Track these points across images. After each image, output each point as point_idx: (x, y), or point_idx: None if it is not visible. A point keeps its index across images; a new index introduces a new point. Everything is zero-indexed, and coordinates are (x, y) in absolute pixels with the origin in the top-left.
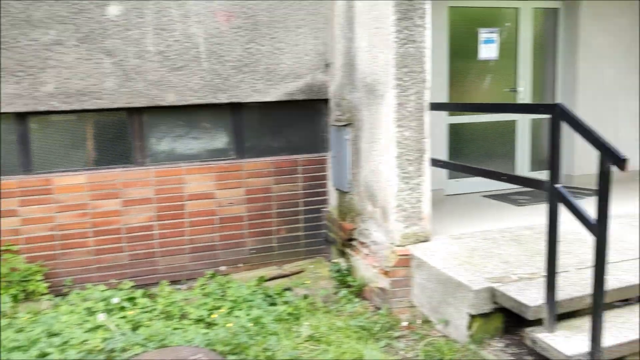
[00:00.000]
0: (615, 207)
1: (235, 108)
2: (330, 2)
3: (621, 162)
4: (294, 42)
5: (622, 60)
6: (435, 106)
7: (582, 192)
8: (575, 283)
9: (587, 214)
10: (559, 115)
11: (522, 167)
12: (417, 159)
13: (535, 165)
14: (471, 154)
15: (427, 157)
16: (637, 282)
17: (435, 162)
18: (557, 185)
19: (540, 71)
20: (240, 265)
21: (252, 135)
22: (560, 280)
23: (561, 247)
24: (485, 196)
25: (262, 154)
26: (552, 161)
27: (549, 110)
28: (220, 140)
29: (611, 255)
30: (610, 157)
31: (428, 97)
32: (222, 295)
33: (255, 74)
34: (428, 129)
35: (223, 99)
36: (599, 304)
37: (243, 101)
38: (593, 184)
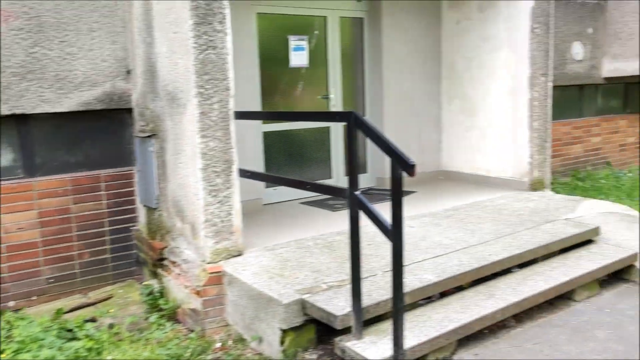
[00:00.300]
0: (422, 206)
1: (20, 120)
2: (127, 3)
3: (410, 168)
4: (89, 47)
5: (422, 68)
6: (240, 115)
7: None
8: (382, 287)
9: (384, 219)
10: (354, 123)
11: (338, 171)
12: (224, 170)
13: None
14: (288, 162)
15: (236, 168)
16: (437, 280)
17: (244, 173)
18: (356, 193)
19: (351, 78)
20: (35, 297)
21: (44, 151)
22: (368, 285)
23: (370, 251)
24: (302, 203)
25: (57, 170)
26: (350, 168)
27: (345, 118)
28: (4, 157)
29: (415, 255)
30: (400, 164)
31: (233, 106)
32: (7, 337)
33: (43, 82)
34: (235, 139)
35: (4, 110)
36: (398, 308)
37: (29, 112)
38: (404, 186)
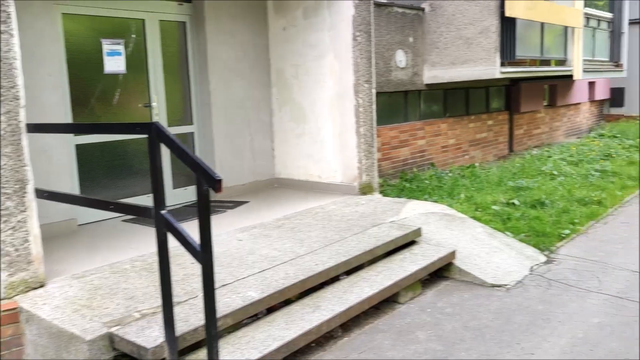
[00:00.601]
0: (254, 217)
1: None
2: None
3: (215, 183)
4: None
5: (252, 74)
6: (33, 127)
7: (224, 205)
8: (202, 310)
9: (193, 241)
10: (156, 135)
11: (166, 184)
12: (17, 191)
13: (182, 179)
14: (108, 177)
15: (31, 188)
16: (261, 297)
17: (41, 193)
18: (162, 212)
19: (176, 85)
20: None
21: None
22: (186, 309)
23: (192, 270)
24: (125, 220)
25: None
26: (155, 186)
27: (146, 131)
28: None
29: (240, 271)
30: (205, 179)
31: (24, 118)
32: None
33: None
34: (28, 155)
35: None
36: (212, 335)
37: None
38: (236, 196)
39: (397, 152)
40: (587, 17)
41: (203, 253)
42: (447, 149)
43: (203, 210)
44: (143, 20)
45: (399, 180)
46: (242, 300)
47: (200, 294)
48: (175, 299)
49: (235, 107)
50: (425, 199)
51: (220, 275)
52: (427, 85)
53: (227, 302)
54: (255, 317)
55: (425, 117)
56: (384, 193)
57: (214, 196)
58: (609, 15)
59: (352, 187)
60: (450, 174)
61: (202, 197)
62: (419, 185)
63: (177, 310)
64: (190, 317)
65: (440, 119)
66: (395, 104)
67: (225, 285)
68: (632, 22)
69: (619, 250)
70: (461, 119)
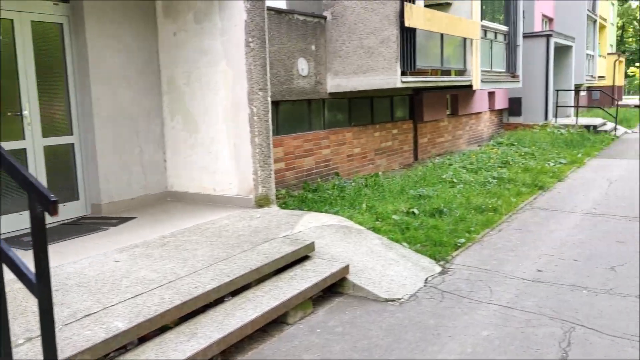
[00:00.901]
0: (138, 235)
1: None
2: None
3: (50, 205)
4: None
5: (140, 82)
6: None
7: (107, 222)
8: (59, 343)
9: (29, 271)
10: None
11: None
12: None
13: (59, 194)
14: None
15: None
16: (128, 327)
17: None
18: None
19: (53, 92)
20: None
21: None
22: (38, 345)
23: (56, 297)
24: None
25: None
26: None
27: None
28: None
29: (110, 297)
30: (39, 200)
31: None
32: None
33: None
34: None
35: None
36: None
37: None
38: (124, 211)
39: (301, 161)
40: (485, 29)
41: (39, 285)
42: (352, 158)
43: (38, 234)
44: (11, 20)
45: (302, 190)
46: (106, 333)
47: (59, 326)
48: (27, 334)
49: (123, 116)
50: (326, 210)
51: (86, 303)
52: (331, 94)
53: (87, 336)
54: (123, 350)
55: (330, 126)
56: (285, 204)
57: (100, 212)
58: (504, 28)
59: (248, 199)
60: (353, 184)
61: (36, 220)
62: (322, 195)
63: (25, 347)
64: (37, 355)
65: (346, 128)
66: (299, 112)
67: (90, 315)
68: (527, 36)
69: (511, 258)
70: (366, 128)
